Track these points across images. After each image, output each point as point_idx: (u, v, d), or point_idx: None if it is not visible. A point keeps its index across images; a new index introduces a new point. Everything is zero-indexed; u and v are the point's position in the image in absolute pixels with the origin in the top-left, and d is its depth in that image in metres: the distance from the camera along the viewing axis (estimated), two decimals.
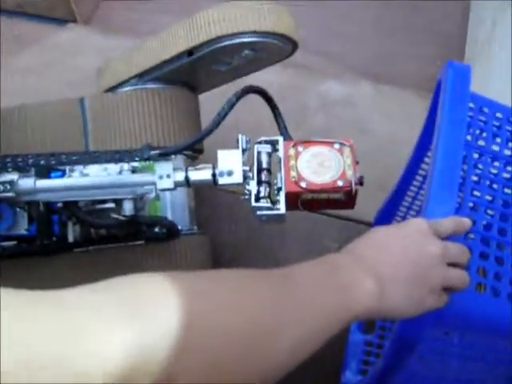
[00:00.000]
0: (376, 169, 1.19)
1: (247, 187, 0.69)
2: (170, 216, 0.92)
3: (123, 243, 0.89)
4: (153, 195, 0.74)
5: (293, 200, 0.68)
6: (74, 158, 0.73)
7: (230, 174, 0.71)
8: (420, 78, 1.47)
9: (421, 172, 0.89)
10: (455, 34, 1.58)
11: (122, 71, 0.93)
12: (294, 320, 0.43)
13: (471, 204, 0.62)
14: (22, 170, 0.76)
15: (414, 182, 0.92)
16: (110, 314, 0.33)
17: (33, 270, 0.90)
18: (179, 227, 0.93)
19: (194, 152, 0.98)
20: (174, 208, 0.93)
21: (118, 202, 0.84)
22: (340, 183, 0.66)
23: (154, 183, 0.74)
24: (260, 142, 0.72)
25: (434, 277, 0.50)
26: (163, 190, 0.74)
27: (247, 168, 0.72)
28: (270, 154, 0.72)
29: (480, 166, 0.65)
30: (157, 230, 0.87)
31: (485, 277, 0.57)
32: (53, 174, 0.82)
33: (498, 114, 0.67)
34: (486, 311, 0.55)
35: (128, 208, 0.84)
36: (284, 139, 0.72)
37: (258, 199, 0.68)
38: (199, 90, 1.02)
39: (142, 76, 0.92)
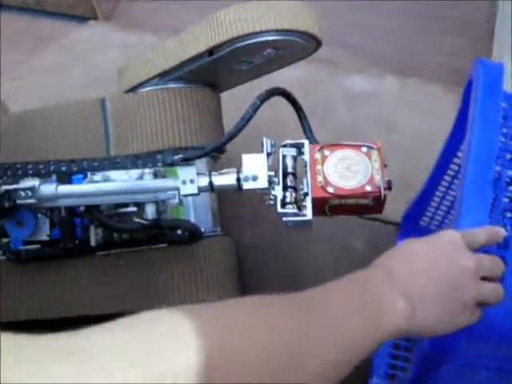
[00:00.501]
0: (403, 167, 1.16)
1: (273, 192, 0.68)
2: (192, 218, 0.91)
3: (146, 246, 0.88)
4: (176, 201, 0.73)
5: (320, 205, 0.66)
6: (96, 163, 0.72)
7: (254, 178, 0.70)
8: (447, 71, 1.43)
9: (450, 172, 0.86)
10: (484, 24, 1.54)
11: (143, 72, 0.92)
12: (322, 347, 0.41)
13: (505, 208, 0.60)
14: (43, 175, 0.76)
15: (443, 183, 0.89)
16: (129, 358, 0.31)
17: (54, 272, 0.90)
18: (202, 229, 0.92)
19: (217, 152, 0.96)
20: (197, 210, 0.92)
21: (140, 206, 0.83)
22: (368, 188, 0.64)
23: (177, 188, 0.73)
24: (285, 146, 0.71)
25: (467, 293, 0.48)
26: (186, 195, 0.72)
27: (272, 173, 0.70)
28: (295, 158, 0.71)
29: None
30: (179, 232, 0.86)
31: None
32: (74, 177, 0.82)
33: None
34: None
35: (150, 211, 0.83)
36: (310, 142, 0.70)
37: (283, 205, 0.67)
38: (220, 89, 1.00)
39: (162, 76, 0.91)
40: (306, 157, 0.68)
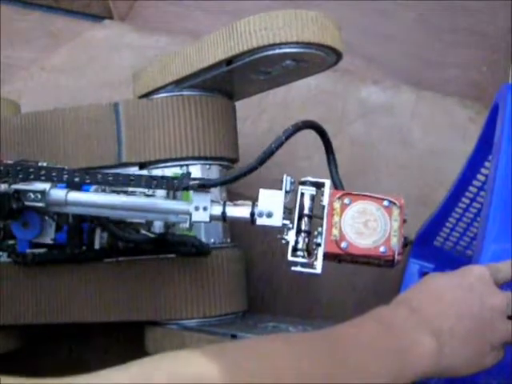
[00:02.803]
0: (417, 183, 1.14)
1: (285, 237, 0.66)
2: (202, 229, 0.90)
3: (154, 255, 0.87)
4: (186, 226, 0.72)
5: (331, 257, 0.65)
6: (110, 178, 0.70)
7: (269, 215, 0.68)
8: (464, 85, 1.42)
9: (468, 194, 0.85)
10: (503, 37, 1.52)
11: (158, 78, 0.90)
12: None
13: None
14: (55, 181, 0.75)
15: (460, 204, 0.88)
16: None
17: (60, 276, 0.89)
18: (212, 240, 0.90)
19: (230, 162, 0.95)
20: None
21: None
22: (382, 249, 0.62)
23: (189, 213, 0.71)
24: (304, 183, 0.69)
25: (494, 332, 0.46)
26: (197, 222, 0.71)
27: (288, 210, 0.69)
28: (313, 197, 0.69)
29: None
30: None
31: None
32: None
33: None
34: None
35: (158, 225, 0.82)
36: (335, 186, 0.69)
37: (294, 250, 0.65)
38: (236, 98, 0.99)
39: (178, 83, 0.89)
40: (325, 200, 0.66)
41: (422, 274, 1.02)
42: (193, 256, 0.84)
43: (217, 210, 0.71)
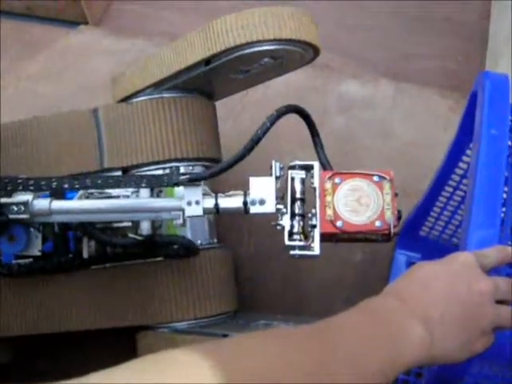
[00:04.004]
0: (400, 173, 1.14)
1: (280, 222, 0.66)
2: (188, 230, 0.89)
3: (141, 260, 0.86)
4: (180, 222, 0.71)
5: (327, 237, 0.65)
6: (99, 181, 0.69)
7: (262, 202, 0.68)
8: (441, 75, 1.43)
9: (451, 183, 0.85)
10: (477, 25, 1.53)
11: (137, 81, 0.90)
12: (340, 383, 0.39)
13: None
14: (37, 190, 0.74)
15: (444, 193, 0.88)
16: None
17: (47, 286, 0.88)
18: (198, 241, 0.90)
19: (213, 162, 0.94)
20: (193, 222, 0.90)
21: (135, 221, 0.82)
22: (378, 224, 0.63)
23: (181, 209, 0.71)
24: (294, 167, 0.69)
25: (484, 317, 0.47)
26: (191, 216, 0.70)
27: (280, 195, 0.69)
28: (303, 181, 0.69)
29: None
30: (175, 247, 0.84)
31: None
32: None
33: None
34: None
35: (145, 227, 0.81)
36: (323, 167, 0.68)
37: (291, 234, 0.65)
38: (216, 98, 0.98)
39: (157, 85, 0.89)
40: (316, 182, 0.66)
41: (410, 264, 1.03)
42: (181, 257, 0.84)
43: (209, 202, 0.71)
